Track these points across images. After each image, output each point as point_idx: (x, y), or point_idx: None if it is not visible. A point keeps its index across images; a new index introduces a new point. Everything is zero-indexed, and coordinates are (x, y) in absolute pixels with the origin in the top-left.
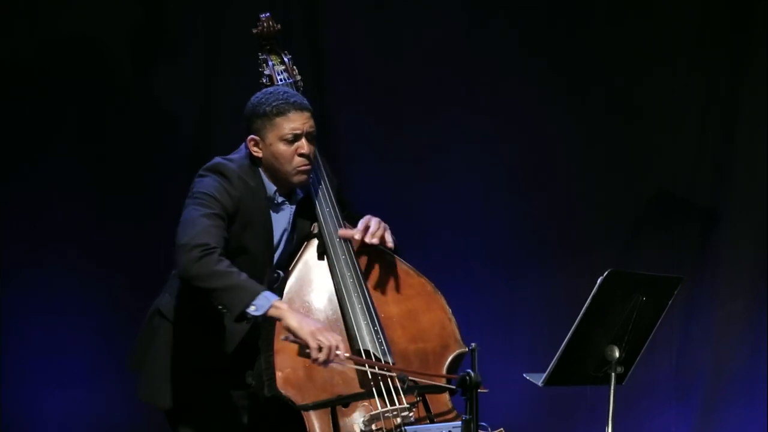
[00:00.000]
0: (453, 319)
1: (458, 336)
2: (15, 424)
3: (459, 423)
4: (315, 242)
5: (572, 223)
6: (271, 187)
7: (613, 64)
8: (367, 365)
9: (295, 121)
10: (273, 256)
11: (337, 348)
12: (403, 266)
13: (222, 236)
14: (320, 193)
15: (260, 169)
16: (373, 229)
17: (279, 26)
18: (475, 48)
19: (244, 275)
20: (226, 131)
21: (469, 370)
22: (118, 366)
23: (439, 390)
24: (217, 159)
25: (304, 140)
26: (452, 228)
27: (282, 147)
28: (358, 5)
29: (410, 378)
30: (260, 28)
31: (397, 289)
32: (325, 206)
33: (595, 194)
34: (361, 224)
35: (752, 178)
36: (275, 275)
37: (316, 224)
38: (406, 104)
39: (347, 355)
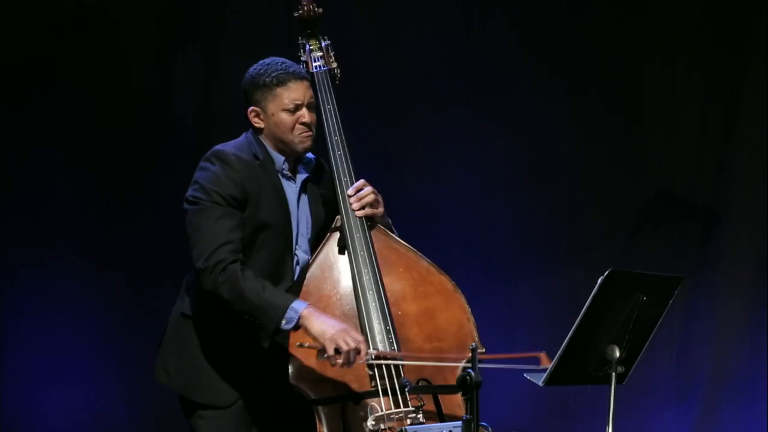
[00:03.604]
0: (472, 319)
1: (476, 336)
2: (15, 424)
3: (459, 423)
4: (337, 235)
5: (572, 223)
6: (279, 159)
7: (613, 64)
8: (383, 361)
9: (296, 91)
10: (291, 224)
11: (357, 351)
12: (423, 263)
13: (236, 236)
14: (345, 186)
15: (265, 143)
16: (363, 194)
17: (320, 10)
18: (475, 48)
19: (269, 288)
20: (229, 131)
21: (470, 370)
22: (118, 366)
23: (453, 390)
24: (215, 147)
25: (305, 109)
26: (452, 228)
27: (284, 116)
28: (358, 5)
29: (424, 378)
30: (301, 11)
31: (417, 286)
32: (349, 201)
33: (595, 194)
34: (353, 187)
35: (752, 178)
36: (295, 255)
37: (338, 217)
38: (406, 104)
39: (367, 358)
